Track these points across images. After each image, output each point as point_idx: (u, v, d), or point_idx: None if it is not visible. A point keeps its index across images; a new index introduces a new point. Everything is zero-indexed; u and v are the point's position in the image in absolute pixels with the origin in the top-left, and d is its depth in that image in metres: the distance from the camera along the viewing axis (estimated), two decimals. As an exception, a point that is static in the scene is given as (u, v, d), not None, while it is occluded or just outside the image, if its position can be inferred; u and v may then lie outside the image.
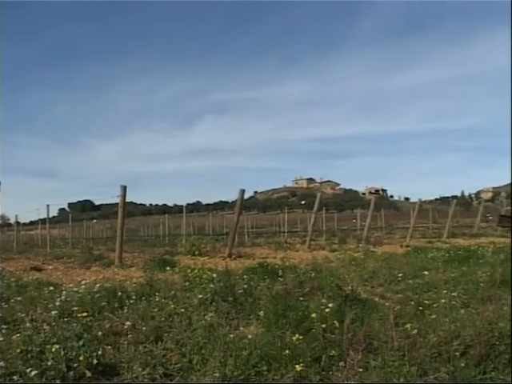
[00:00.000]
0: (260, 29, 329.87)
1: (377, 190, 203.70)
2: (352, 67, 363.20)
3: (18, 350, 3.94)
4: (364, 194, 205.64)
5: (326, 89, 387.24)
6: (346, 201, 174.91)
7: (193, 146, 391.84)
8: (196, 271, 7.91)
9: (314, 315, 4.57)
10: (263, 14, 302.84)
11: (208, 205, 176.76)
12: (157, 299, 6.04)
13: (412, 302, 5.91)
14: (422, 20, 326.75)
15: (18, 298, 6.40)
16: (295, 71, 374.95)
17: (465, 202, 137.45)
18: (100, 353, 3.96)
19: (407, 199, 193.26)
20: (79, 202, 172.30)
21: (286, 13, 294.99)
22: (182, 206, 41.64)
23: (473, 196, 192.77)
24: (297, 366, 3.61)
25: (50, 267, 13.13)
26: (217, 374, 3.60)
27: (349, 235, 28.14)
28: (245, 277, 7.59)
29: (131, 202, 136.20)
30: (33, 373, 3.56)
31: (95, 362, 3.81)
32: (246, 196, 17.30)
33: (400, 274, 8.30)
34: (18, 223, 38.97)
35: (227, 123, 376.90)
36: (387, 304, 6.13)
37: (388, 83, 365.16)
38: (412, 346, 4.04)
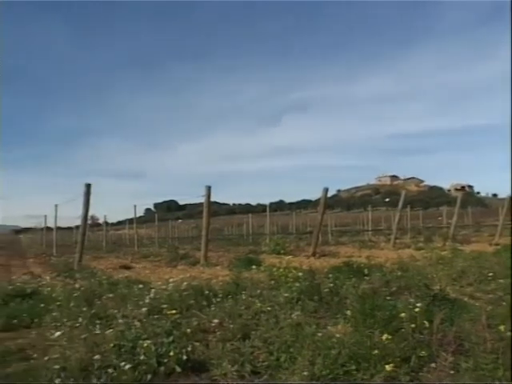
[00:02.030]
0: (338, 24, 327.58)
1: (463, 187, 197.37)
2: (432, 60, 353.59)
3: (112, 345, 4.08)
4: (449, 190, 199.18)
5: (407, 83, 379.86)
6: (432, 198, 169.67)
7: (275, 144, 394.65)
8: (281, 270, 7.91)
9: (403, 315, 4.49)
10: (341, 9, 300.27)
11: (291, 203, 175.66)
12: (243, 297, 6.08)
13: (504, 303, 5.68)
14: (503, 8, 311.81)
15: (110, 295, 6.65)
16: (375, 66, 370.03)
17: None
18: (189, 349, 4.04)
19: (495, 195, 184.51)
20: (165, 202, 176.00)
21: (365, 8, 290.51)
22: (265, 205, 41.77)
23: None
24: (387, 366, 3.54)
25: (138, 265, 13.61)
26: (305, 373, 3.58)
27: (435, 233, 27.49)
28: (330, 276, 7.55)
29: (215, 202, 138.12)
30: (126, 366, 3.68)
31: (185, 358, 3.90)
32: (329, 194, 17.23)
33: (490, 274, 8.03)
34: (106, 223, 40.52)
35: (309, 121, 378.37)
36: (478, 304, 5.94)
37: (470, 76, 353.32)
38: (506, 348, 3.86)
